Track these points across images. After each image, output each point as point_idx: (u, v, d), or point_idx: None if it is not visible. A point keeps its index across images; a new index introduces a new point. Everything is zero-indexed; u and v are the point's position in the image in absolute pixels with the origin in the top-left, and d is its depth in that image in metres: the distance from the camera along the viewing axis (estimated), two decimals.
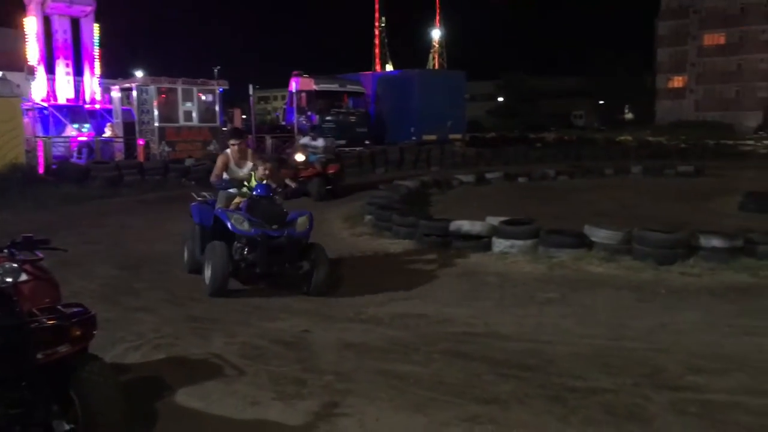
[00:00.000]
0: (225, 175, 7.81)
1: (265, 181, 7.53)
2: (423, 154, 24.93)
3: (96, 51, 23.55)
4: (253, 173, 7.71)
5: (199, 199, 8.29)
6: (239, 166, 7.88)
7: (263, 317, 6.47)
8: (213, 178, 7.89)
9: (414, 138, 28.07)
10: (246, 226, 7.09)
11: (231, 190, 7.75)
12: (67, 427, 3.59)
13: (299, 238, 7.27)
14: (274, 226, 7.13)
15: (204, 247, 7.55)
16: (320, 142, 16.02)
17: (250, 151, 8.25)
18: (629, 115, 75.07)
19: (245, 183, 7.66)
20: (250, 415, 4.25)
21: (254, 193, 7.40)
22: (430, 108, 28.68)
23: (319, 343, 5.67)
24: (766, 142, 38.17)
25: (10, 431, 3.41)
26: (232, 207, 7.55)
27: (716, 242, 8.38)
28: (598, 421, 4.11)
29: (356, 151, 23.71)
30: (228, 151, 7.98)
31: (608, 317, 6.50)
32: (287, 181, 8.23)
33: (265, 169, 7.66)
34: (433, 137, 28.17)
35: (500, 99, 79.36)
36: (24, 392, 3.42)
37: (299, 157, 15.49)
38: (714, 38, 63.37)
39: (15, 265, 3.48)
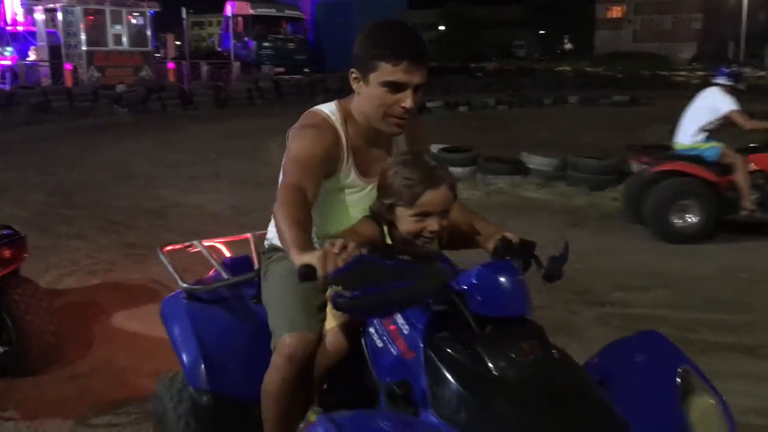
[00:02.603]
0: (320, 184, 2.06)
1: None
2: None
3: None
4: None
5: (192, 286, 2.52)
6: (375, 167, 2.15)
7: None
8: (281, 202, 1.87)
9: None
10: None
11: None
12: (0, 349, 3.55)
13: None
14: None
15: None
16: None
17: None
18: (569, 46, 75.65)
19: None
20: None
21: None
22: None
23: None
24: (698, 73, 39.10)
25: None
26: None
27: None
28: None
29: (295, 79, 23.28)
30: (328, 112, 2.16)
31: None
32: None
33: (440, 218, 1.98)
34: None
35: (441, 28, 78.65)
36: None
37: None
38: None
39: None
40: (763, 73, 39.79)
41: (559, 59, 58.60)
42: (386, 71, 1.98)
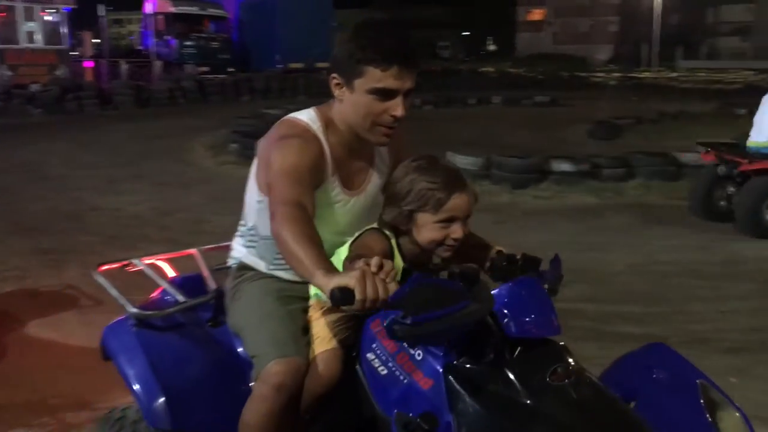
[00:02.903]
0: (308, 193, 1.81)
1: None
2: (289, 82, 24.47)
3: None
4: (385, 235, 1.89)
5: (144, 311, 2.22)
6: (358, 178, 2.04)
7: (121, 246, 6.24)
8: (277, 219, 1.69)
9: (280, 66, 27.45)
10: None
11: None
12: None
13: None
14: None
15: None
16: None
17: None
18: (492, 47, 77.17)
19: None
20: None
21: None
22: (295, 35, 28.02)
23: None
24: (614, 74, 40.56)
25: None
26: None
27: (566, 166, 8.95)
28: None
29: (219, 79, 22.94)
30: (308, 120, 1.98)
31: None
32: None
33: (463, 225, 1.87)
34: (299, 65, 27.67)
35: None
36: None
37: None
38: None
39: None
40: (675, 74, 41.62)
41: (483, 60, 59.73)
42: (374, 77, 1.79)
